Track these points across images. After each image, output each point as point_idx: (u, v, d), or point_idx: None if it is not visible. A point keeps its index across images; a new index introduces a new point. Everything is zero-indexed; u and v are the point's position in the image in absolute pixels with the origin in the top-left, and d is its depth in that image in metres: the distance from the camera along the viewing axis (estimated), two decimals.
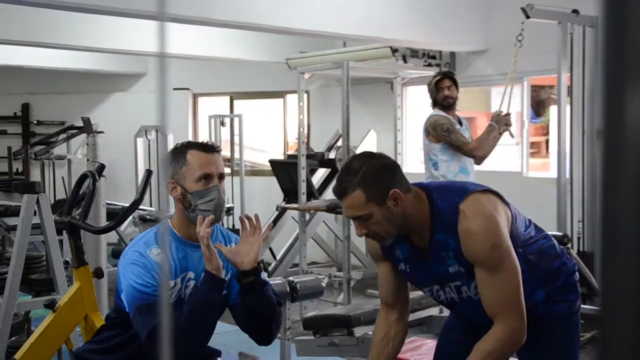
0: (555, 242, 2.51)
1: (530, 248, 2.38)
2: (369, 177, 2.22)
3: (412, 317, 2.88)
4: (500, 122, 5.13)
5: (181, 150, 2.44)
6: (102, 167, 3.46)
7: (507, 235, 2.25)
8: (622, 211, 0.63)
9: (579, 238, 5.78)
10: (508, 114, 5.19)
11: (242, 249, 2.39)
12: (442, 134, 5.05)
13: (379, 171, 2.25)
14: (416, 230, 2.32)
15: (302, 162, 6.43)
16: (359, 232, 2.30)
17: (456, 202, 2.26)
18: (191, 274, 2.43)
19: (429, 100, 5.25)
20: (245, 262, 2.36)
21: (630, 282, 0.63)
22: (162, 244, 2.34)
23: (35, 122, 10.66)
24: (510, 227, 2.30)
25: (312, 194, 6.87)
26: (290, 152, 8.47)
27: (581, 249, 5.72)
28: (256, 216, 2.44)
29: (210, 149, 2.45)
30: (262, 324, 2.44)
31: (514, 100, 5.31)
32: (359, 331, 3.35)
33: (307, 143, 7.07)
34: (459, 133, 5.08)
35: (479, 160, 5.17)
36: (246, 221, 2.43)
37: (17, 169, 8.46)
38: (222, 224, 8.95)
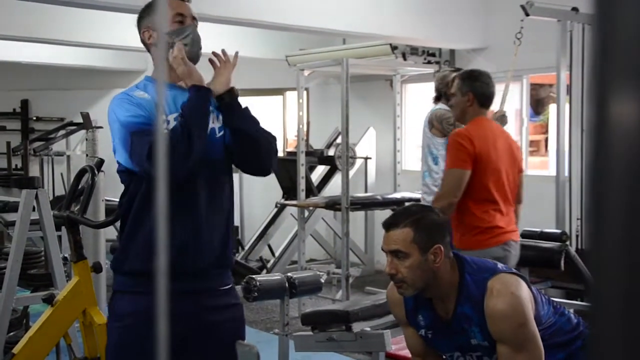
0: (571, 314, 2.56)
1: (548, 330, 2.44)
2: (423, 223, 2.32)
3: None
4: (503, 123, 5.11)
5: (153, 1, 2.51)
6: (101, 162, 3.47)
7: (532, 316, 2.31)
8: (609, 208, 0.63)
9: (577, 236, 5.79)
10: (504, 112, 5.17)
11: (214, 79, 2.49)
12: (447, 128, 4.90)
13: (434, 223, 2.35)
14: (441, 297, 2.39)
15: (302, 159, 6.44)
16: (389, 269, 2.34)
17: (485, 277, 2.33)
18: None
19: (433, 93, 5.12)
20: (217, 87, 2.44)
21: (619, 279, 0.63)
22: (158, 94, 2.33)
23: (34, 118, 10.66)
24: (535, 312, 2.35)
25: (311, 190, 6.87)
26: (290, 149, 8.48)
27: (580, 246, 5.73)
28: (223, 51, 2.53)
29: None
30: (253, 147, 2.43)
31: (511, 98, 5.31)
32: (357, 327, 3.35)
33: (307, 140, 7.07)
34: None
35: None
36: (215, 58, 2.50)
37: (16, 165, 8.47)
38: None
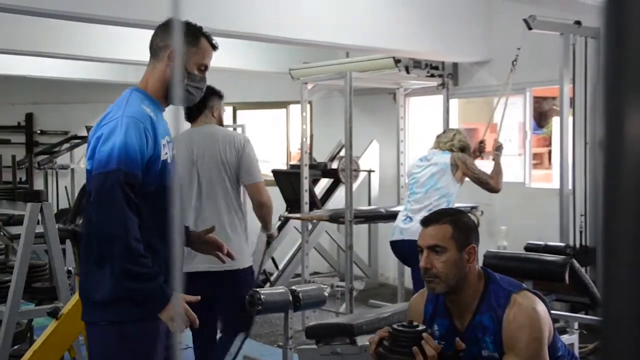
0: (575, 353, 2.65)
1: None
2: (461, 223, 2.45)
3: None
4: (500, 150, 5.15)
5: (196, 33, 2.56)
6: None
7: (547, 339, 2.34)
8: (622, 223, 0.63)
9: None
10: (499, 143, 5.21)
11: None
12: (472, 168, 4.91)
13: (470, 225, 2.48)
14: (463, 304, 2.43)
15: (305, 172, 6.44)
16: (424, 264, 2.40)
17: (510, 290, 2.39)
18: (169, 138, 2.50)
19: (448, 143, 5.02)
20: None
21: (632, 292, 0.63)
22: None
23: (38, 131, 10.70)
24: (551, 340, 2.39)
25: (314, 204, 6.87)
26: (293, 162, 8.48)
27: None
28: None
29: (215, 47, 2.62)
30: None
31: (514, 112, 5.31)
32: (361, 340, 3.34)
33: (310, 153, 7.08)
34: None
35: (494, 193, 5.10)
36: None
37: (20, 178, 8.49)
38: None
